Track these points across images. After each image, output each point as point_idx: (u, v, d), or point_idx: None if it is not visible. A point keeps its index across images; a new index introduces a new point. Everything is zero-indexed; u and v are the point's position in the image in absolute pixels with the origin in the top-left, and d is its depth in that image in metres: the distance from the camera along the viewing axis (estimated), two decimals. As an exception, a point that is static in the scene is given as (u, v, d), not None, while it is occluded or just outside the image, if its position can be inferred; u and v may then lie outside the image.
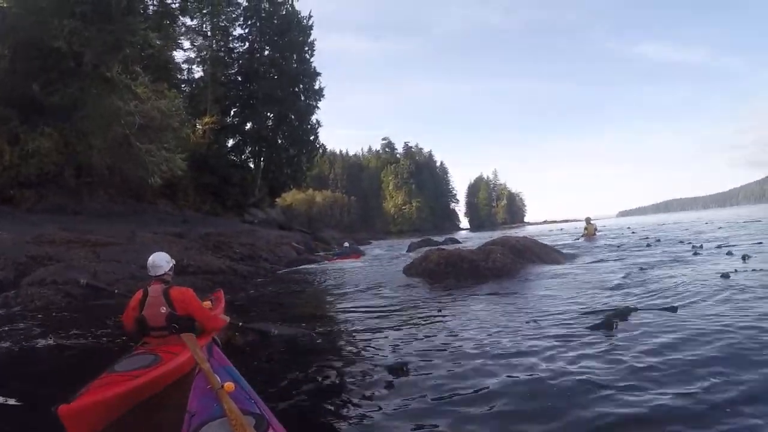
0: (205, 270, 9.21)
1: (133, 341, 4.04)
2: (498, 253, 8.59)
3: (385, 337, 4.67)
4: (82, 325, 5.47)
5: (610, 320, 4.13)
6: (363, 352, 4.26)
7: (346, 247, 20.39)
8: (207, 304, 4.68)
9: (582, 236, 17.89)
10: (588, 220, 18.12)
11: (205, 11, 26.44)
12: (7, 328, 5.21)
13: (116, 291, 6.43)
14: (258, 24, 30.88)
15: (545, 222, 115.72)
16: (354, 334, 5.03)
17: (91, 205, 16.60)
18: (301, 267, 14.17)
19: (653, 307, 4.75)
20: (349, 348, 4.51)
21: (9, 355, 4.41)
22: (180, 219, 18.83)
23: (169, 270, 4.02)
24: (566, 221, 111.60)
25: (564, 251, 12.34)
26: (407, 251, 19.81)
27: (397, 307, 6.17)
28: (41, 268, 6.95)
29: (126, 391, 2.97)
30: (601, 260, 10.34)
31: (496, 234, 39.99)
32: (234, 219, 26.81)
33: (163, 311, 3.74)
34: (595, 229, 17.52)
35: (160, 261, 3.95)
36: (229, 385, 2.17)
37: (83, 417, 2.63)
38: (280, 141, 31.94)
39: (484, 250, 8.91)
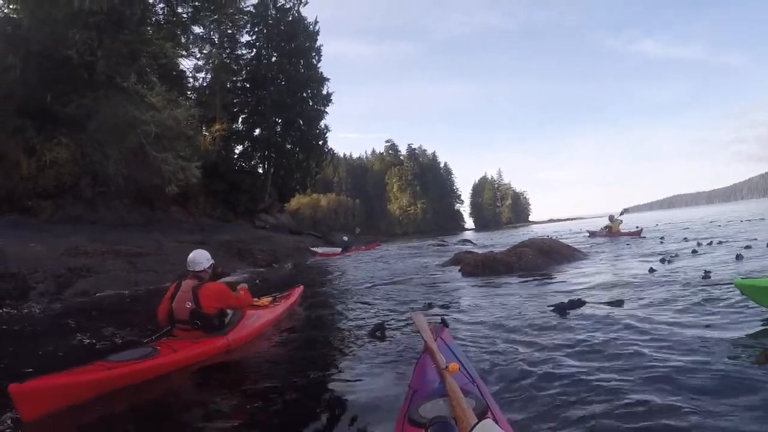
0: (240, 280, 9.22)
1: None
2: (529, 254, 8.81)
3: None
4: (132, 322, 5.60)
5: (563, 307, 4.79)
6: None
7: (343, 241, 21.28)
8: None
9: (604, 232, 17.69)
10: (611, 218, 17.71)
11: (213, 17, 26.47)
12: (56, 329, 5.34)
13: None
14: (265, 30, 30.91)
15: (550, 221, 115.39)
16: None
17: (107, 215, 16.62)
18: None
19: (601, 301, 5.20)
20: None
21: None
22: (197, 227, 18.87)
23: (208, 267, 4.18)
24: (571, 219, 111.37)
25: (588, 250, 12.60)
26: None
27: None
28: (81, 280, 6.97)
29: (91, 380, 2.92)
30: (618, 259, 10.54)
31: (501, 234, 40.99)
32: (245, 225, 26.86)
33: (187, 306, 3.87)
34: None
35: (201, 258, 4.14)
36: (453, 366, 2.18)
37: (36, 399, 2.56)
38: (288, 146, 32.01)
39: (516, 252, 9.19)
